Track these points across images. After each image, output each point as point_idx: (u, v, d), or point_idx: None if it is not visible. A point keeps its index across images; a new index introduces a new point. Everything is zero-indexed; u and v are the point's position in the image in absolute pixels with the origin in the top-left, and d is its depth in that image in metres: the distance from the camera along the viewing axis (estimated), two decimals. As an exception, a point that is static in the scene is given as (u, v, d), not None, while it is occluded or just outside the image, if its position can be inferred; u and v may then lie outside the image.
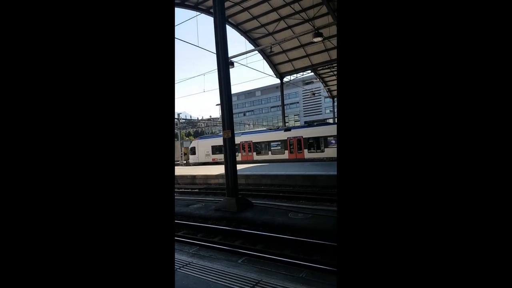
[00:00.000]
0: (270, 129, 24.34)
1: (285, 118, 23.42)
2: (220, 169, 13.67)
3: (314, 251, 4.27)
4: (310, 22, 15.81)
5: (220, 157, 21.14)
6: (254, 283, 2.60)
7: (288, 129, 19.52)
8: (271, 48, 17.92)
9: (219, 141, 21.89)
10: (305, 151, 18.13)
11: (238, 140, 20.49)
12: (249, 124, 46.42)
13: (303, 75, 23.17)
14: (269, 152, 19.88)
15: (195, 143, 24.70)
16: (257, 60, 56.31)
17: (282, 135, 19.29)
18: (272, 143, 19.83)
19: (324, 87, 26.32)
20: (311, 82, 41.91)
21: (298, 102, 50.56)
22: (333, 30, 16.27)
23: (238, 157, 20.24)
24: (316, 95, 32.78)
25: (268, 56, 20.63)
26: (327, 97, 29.71)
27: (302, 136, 18.32)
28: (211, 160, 22.48)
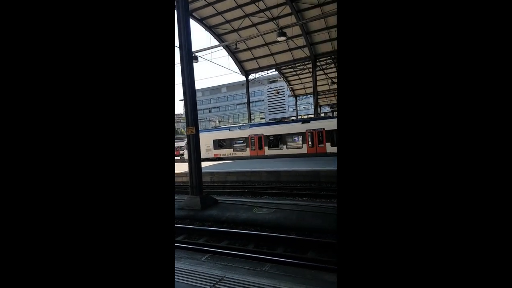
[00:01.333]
0: (281, 121, 22.20)
1: (251, 115, 23.55)
2: (186, 167, 13.29)
3: (278, 244, 4.39)
4: (274, 21, 16.05)
5: (225, 152, 19.32)
6: (218, 280, 2.60)
7: (306, 121, 17.80)
8: (236, 45, 17.84)
9: (222, 134, 20.11)
10: (328, 144, 16.46)
11: (245, 133, 18.76)
12: (214, 121, 45.76)
13: (268, 73, 23.50)
14: (284, 146, 17.76)
15: None
16: (222, 56, 55.51)
17: (299, 128, 17.44)
18: (287, 136, 17.72)
19: (288, 86, 27.00)
20: (276, 81, 42.69)
21: (263, 100, 51.17)
22: (296, 30, 16.72)
23: (246, 152, 18.60)
24: (280, 93, 33.48)
25: (233, 53, 20.50)
26: (290, 96, 30.54)
27: (324, 129, 16.57)
28: (213, 156, 19.66)
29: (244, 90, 25.19)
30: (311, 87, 20.67)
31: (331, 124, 16.45)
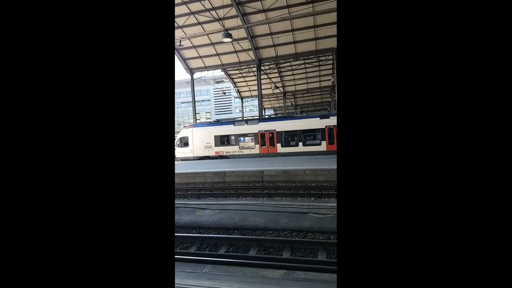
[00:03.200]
0: (291, 116, 19.89)
1: (197, 115, 22.94)
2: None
3: (219, 245, 4.41)
4: (220, 22, 15.99)
5: (229, 149, 17.18)
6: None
7: (325, 116, 16.63)
8: (180, 42, 17.19)
9: (225, 130, 17.41)
10: None
11: (255, 129, 17.03)
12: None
13: (214, 73, 23.25)
14: (300, 144, 16.45)
15: (187, 132, 18.35)
16: (166, 52, 52.61)
17: (317, 123, 16.27)
18: (304, 133, 16.39)
19: (234, 87, 27.19)
20: (222, 81, 42.55)
21: (209, 100, 50.42)
22: (242, 33, 16.98)
23: (254, 150, 16.96)
24: (226, 94, 33.48)
25: (177, 50, 19.70)
26: (236, 97, 30.82)
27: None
28: (213, 154, 17.50)
29: (189, 89, 24.42)
30: (256, 89, 21.20)
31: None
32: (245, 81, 25.20)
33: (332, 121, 16.21)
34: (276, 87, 24.79)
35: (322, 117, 16.64)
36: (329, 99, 28.67)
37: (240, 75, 23.83)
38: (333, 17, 14.51)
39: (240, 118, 24.95)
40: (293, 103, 32.33)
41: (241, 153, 17.24)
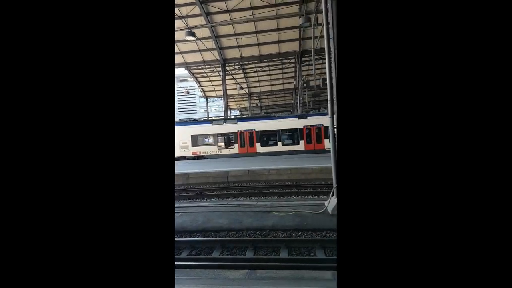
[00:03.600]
0: (271, 116, 20.23)
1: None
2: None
3: (181, 249, 4.30)
4: (183, 20, 15.57)
5: (207, 149, 16.89)
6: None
7: (303, 116, 17.19)
8: (140, 38, 16.35)
9: (202, 129, 17.11)
10: (326, 141, 15.98)
11: (234, 128, 16.92)
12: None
13: (176, 71, 22.49)
14: (279, 143, 16.83)
15: None
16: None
17: (296, 123, 16.76)
18: (283, 133, 16.80)
19: (199, 87, 26.65)
20: (186, 80, 41.41)
21: (172, 99, 48.77)
22: (206, 32, 16.74)
23: (234, 150, 16.83)
24: (190, 93, 32.64)
25: (137, 46, 18.68)
26: (201, 97, 30.25)
27: (322, 125, 16.20)
28: (190, 154, 17.12)
29: (150, 88, 23.25)
30: (221, 90, 21.04)
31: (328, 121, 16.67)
32: (210, 80, 24.86)
33: (310, 121, 16.70)
34: (242, 88, 24.86)
35: (300, 117, 17.07)
36: (292, 101, 29.57)
37: (205, 74, 23.45)
38: (295, 21, 15.00)
39: (216, 118, 24.65)
40: (258, 104, 32.73)
41: (219, 153, 17.15)
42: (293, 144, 16.85)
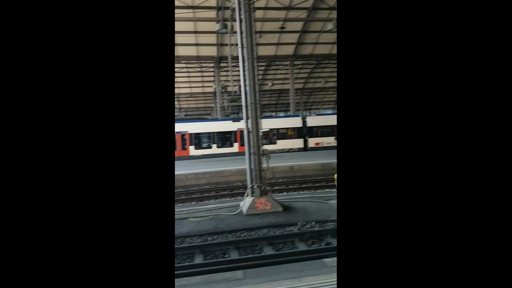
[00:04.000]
0: (205, 118, 20.35)
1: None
2: None
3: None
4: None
5: (200, 152, 16.35)
6: None
7: (237, 120, 16.95)
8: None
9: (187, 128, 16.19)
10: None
11: None
12: None
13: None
14: (214, 146, 16.80)
15: None
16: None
17: (230, 126, 16.89)
18: (218, 135, 16.83)
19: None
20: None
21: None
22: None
23: None
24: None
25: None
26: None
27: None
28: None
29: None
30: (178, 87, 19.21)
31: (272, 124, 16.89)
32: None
33: (243, 124, 17.52)
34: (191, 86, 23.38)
35: (234, 120, 17.50)
36: (212, 105, 29.57)
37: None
38: (213, 26, 15.12)
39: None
40: (178, 105, 31.33)
41: None
42: (228, 146, 17.25)
